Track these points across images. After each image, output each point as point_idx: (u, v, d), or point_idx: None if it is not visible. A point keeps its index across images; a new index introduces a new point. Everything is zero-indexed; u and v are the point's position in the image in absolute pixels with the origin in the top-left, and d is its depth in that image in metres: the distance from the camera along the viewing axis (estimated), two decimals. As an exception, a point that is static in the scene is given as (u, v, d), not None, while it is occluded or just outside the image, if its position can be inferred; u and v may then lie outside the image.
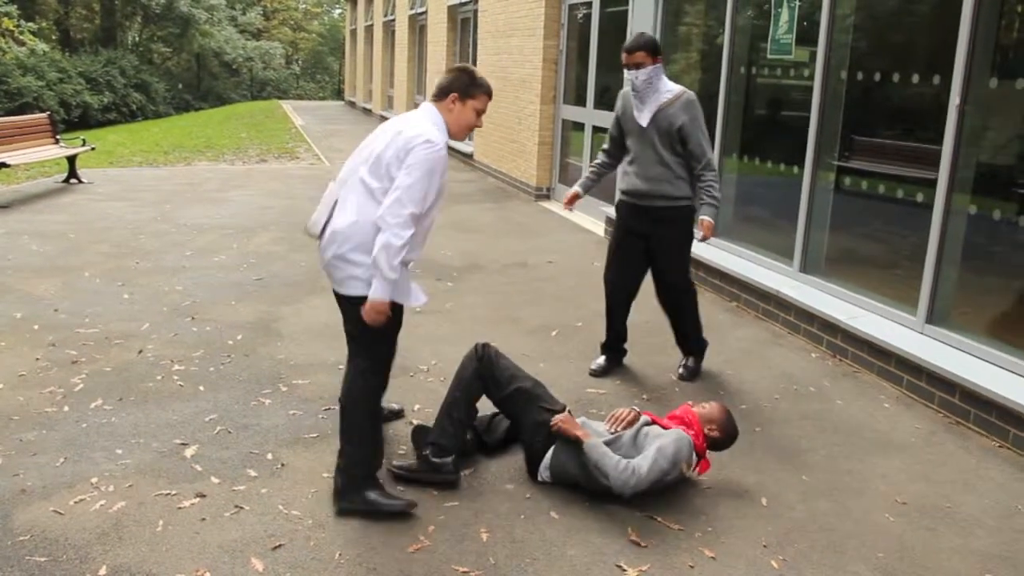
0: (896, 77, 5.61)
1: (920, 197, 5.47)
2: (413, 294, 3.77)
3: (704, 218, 4.87)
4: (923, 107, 5.24)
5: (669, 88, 4.85)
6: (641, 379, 5.21)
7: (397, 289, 3.55)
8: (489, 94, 3.74)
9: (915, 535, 3.61)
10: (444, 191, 3.66)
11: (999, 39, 5.08)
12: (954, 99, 5.10)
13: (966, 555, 3.48)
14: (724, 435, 3.90)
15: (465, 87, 3.65)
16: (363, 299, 3.51)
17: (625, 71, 4.86)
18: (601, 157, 5.37)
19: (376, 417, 3.80)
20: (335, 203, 3.63)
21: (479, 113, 3.71)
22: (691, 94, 4.83)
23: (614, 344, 5.38)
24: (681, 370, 5.32)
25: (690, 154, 4.84)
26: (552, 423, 3.80)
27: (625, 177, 5.12)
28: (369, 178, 3.51)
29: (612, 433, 3.81)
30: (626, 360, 5.46)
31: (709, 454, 3.91)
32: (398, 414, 4.57)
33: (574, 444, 3.71)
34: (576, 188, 5.41)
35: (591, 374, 5.28)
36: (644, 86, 4.80)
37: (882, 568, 3.35)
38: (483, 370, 3.95)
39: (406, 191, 3.40)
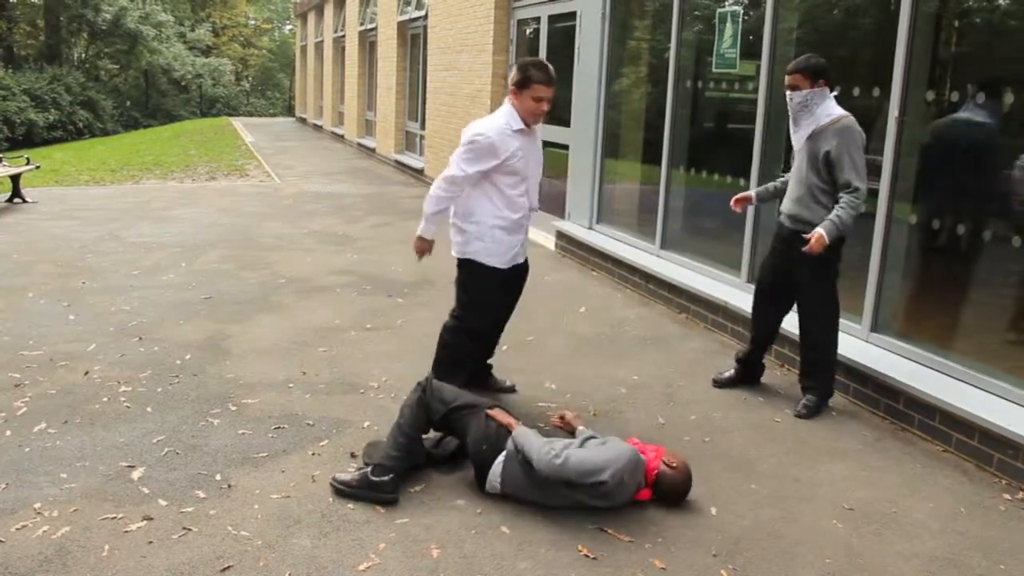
0: (839, 90, 5.71)
1: (863, 207, 5.56)
2: (497, 256, 4.70)
3: (817, 230, 4.59)
4: (865, 120, 5.32)
5: (830, 112, 4.67)
6: (589, 392, 5.23)
7: (484, 249, 4.66)
8: (544, 82, 4.44)
9: (862, 540, 3.66)
10: (523, 169, 4.59)
11: (935, 54, 5.21)
12: (893, 111, 5.21)
13: (911, 558, 3.53)
14: (680, 472, 3.84)
15: (520, 81, 4.45)
16: (458, 260, 4.78)
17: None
18: (784, 174, 5.28)
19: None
20: None
21: (538, 100, 4.44)
22: (849, 120, 4.62)
23: (749, 358, 5.37)
24: (800, 408, 5.01)
25: (836, 180, 4.67)
26: (487, 411, 3.91)
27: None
28: None
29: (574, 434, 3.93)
30: (579, 372, 5.49)
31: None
32: (510, 389, 5.10)
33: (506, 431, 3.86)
34: (751, 192, 5.43)
35: (714, 384, 5.36)
36: (798, 108, 4.70)
37: (830, 573, 3.40)
38: (426, 398, 3.99)
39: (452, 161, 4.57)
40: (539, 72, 4.44)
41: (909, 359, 5.10)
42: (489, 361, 5.17)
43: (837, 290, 4.94)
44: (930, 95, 5.17)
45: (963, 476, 4.30)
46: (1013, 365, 4.69)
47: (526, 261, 4.93)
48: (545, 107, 4.49)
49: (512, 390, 5.11)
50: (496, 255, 4.69)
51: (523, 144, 4.56)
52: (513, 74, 4.53)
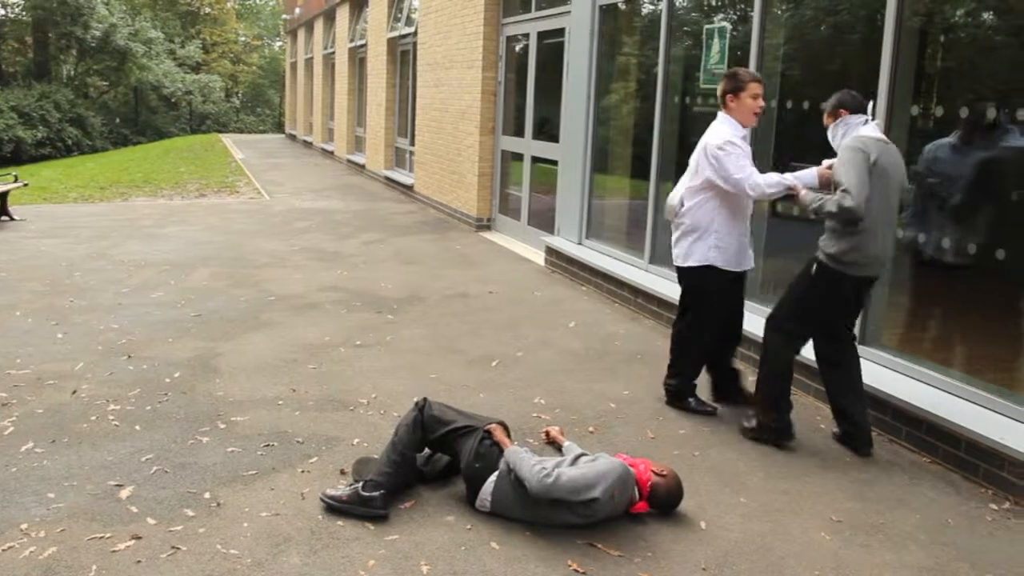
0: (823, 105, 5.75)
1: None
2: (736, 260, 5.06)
3: (803, 189, 4.73)
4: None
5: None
6: (579, 407, 5.24)
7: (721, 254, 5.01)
8: (756, 80, 4.87)
9: (850, 552, 3.67)
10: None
11: (919, 69, 5.26)
12: (879, 124, 5.24)
13: (899, 569, 3.55)
14: (671, 480, 3.89)
15: (734, 87, 4.86)
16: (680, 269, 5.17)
17: None
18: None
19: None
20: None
21: (755, 97, 4.84)
22: (854, 141, 4.39)
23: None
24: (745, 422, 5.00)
25: None
26: (486, 428, 3.93)
27: None
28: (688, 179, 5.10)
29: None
30: (568, 386, 5.50)
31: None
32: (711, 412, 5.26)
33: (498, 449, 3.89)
34: None
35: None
36: (836, 143, 4.61)
37: (818, 587, 3.41)
38: (423, 417, 4.00)
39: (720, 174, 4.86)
40: (747, 72, 4.93)
41: (896, 371, 5.12)
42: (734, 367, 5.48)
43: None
44: (915, 109, 5.22)
45: (950, 487, 4.32)
46: (998, 376, 4.73)
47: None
48: (763, 103, 4.90)
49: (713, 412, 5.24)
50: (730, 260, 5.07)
51: (747, 148, 4.95)
52: (722, 86, 4.94)
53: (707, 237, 5.00)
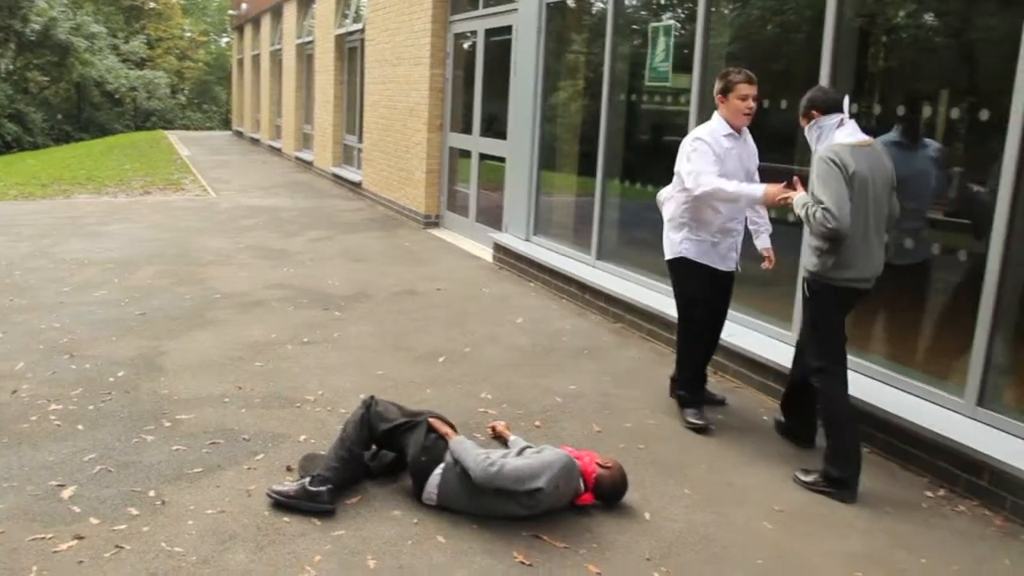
0: (767, 103, 5.84)
1: (791, 217, 5.69)
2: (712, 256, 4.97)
3: (798, 191, 4.40)
4: (793, 132, 5.45)
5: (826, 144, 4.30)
6: (526, 402, 5.27)
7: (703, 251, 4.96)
8: (746, 80, 4.81)
9: (792, 541, 3.75)
10: (723, 171, 4.80)
11: (858, 68, 5.37)
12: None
13: (839, 557, 3.63)
14: (615, 472, 3.95)
15: (723, 87, 4.86)
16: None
17: None
18: None
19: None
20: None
21: (744, 98, 4.80)
22: (827, 151, 4.14)
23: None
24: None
25: None
26: (429, 420, 3.97)
27: None
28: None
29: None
30: (515, 381, 5.54)
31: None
32: (720, 402, 5.35)
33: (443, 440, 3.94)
34: None
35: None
36: (814, 148, 4.37)
37: (760, 573, 3.48)
38: (370, 415, 4.02)
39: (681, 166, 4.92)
40: (738, 74, 4.85)
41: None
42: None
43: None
44: (853, 107, 5.32)
45: (889, 476, 4.43)
46: (935, 368, 4.86)
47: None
48: (752, 104, 4.82)
49: (722, 402, 5.33)
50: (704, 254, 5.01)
51: (734, 146, 4.90)
52: (715, 86, 4.94)
53: (680, 230, 4.99)
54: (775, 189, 4.53)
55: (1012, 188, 4.30)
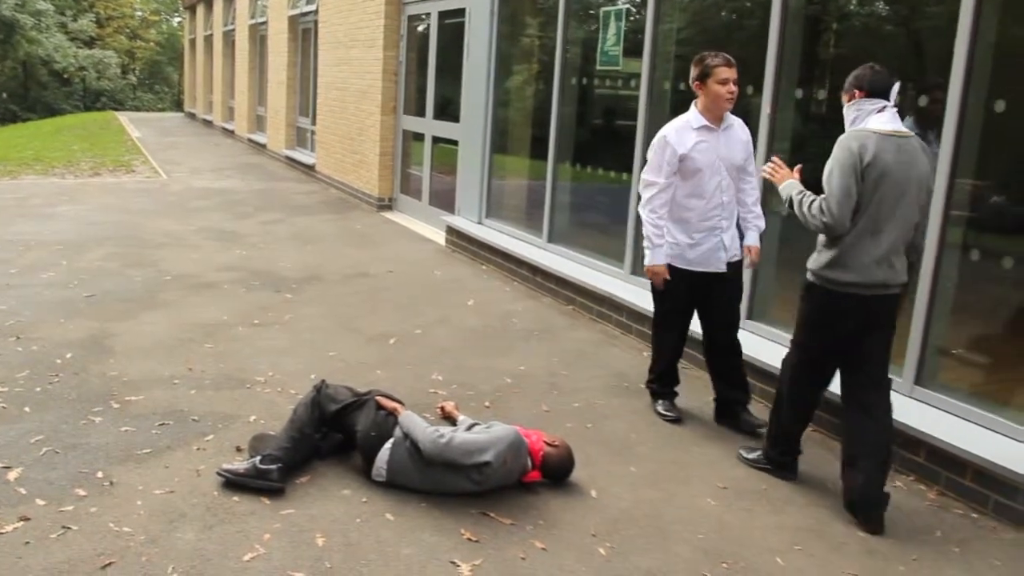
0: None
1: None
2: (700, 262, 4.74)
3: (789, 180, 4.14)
4: (741, 116, 5.55)
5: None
6: (476, 383, 5.32)
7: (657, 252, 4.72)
8: (725, 63, 4.53)
9: (734, 516, 3.85)
10: (695, 166, 4.62)
11: (804, 55, 5.46)
12: (765, 108, 5.45)
13: (779, 531, 3.74)
14: (562, 450, 4.01)
15: (700, 74, 4.58)
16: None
17: None
18: None
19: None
20: None
21: (724, 82, 4.52)
22: (850, 135, 3.83)
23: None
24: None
25: None
26: (376, 398, 4.03)
27: None
28: None
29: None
30: (466, 363, 5.58)
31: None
32: (753, 429, 4.86)
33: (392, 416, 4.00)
34: None
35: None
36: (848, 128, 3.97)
37: (702, 547, 3.57)
38: (319, 397, 4.07)
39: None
40: (715, 57, 4.57)
41: (776, 343, 5.31)
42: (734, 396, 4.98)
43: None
44: (799, 93, 5.43)
45: (829, 453, 4.53)
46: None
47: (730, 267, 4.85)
48: (734, 88, 4.55)
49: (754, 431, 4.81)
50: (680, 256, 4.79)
51: (707, 139, 4.64)
52: (691, 73, 4.66)
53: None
54: (654, 268, 4.73)
55: (948, 178, 4.43)
